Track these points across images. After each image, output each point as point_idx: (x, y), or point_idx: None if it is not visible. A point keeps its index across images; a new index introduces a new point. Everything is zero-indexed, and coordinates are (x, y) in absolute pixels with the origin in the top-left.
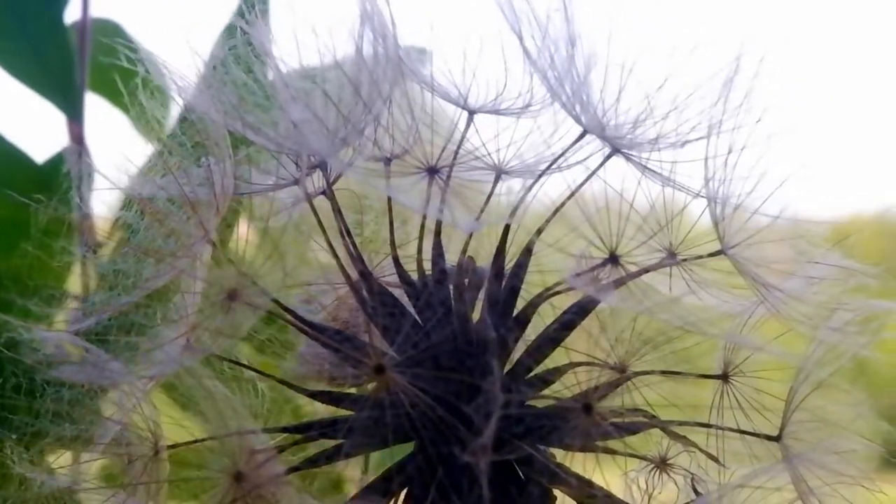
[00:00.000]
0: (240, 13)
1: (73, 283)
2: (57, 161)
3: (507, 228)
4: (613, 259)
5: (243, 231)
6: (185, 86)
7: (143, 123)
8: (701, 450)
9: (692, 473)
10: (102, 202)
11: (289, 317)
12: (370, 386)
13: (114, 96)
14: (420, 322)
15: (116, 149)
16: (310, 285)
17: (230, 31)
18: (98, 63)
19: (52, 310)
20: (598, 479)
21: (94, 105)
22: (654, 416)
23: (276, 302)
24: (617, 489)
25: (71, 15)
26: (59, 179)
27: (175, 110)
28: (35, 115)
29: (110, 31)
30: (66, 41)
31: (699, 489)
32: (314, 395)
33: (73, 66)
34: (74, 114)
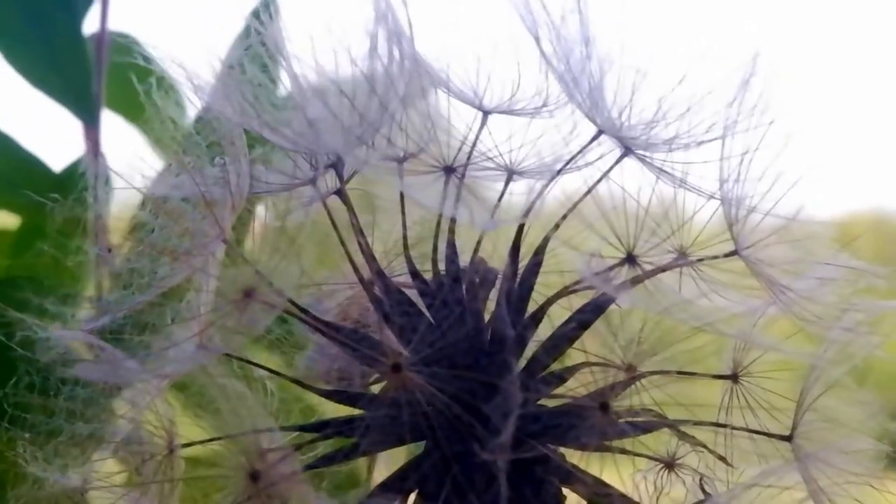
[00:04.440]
0: (255, 14)
1: (88, 285)
2: (74, 169)
3: (521, 227)
4: (631, 259)
5: (258, 230)
6: (202, 86)
7: (160, 136)
8: (710, 450)
9: (701, 474)
10: (118, 204)
11: (304, 316)
12: (382, 386)
13: (130, 112)
14: (435, 321)
15: (133, 155)
16: (323, 284)
17: (247, 32)
18: (114, 79)
19: (67, 309)
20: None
21: (112, 116)
22: (664, 416)
23: (292, 302)
24: (624, 489)
25: (89, 26)
26: (76, 186)
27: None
28: (51, 124)
29: (125, 44)
30: (83, 49)
31: (707, 489)
32: (329, 395)
33: (91, 73)
34: (91, 120)
